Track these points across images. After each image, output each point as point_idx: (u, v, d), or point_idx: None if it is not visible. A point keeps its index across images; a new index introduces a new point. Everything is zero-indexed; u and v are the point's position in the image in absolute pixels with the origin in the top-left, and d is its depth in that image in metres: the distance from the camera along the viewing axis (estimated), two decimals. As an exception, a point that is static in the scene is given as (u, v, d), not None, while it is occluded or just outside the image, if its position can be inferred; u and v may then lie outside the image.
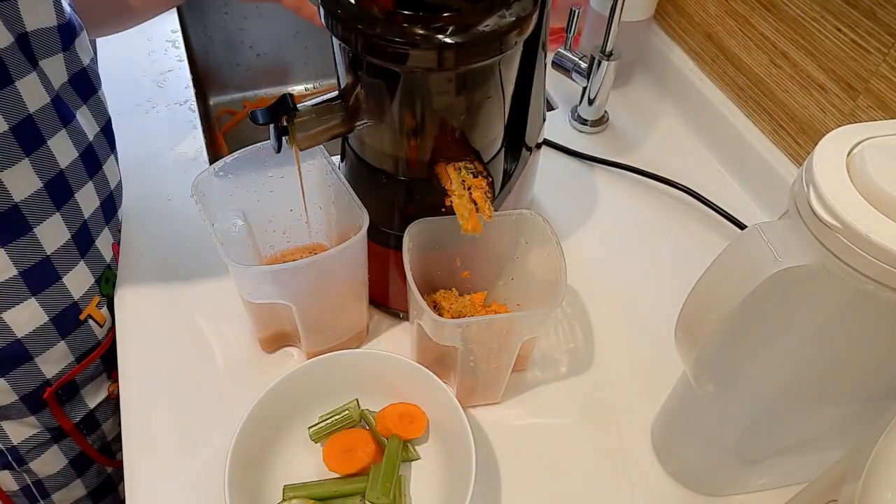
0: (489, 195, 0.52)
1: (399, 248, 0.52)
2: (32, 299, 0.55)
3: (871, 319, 0.37)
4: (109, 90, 0.83)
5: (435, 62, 0.45)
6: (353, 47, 0.46)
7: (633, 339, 0.64)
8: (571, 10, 0.73)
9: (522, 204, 0.67)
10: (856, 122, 0.38)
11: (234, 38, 1.04)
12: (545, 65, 0.59)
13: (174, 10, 0.95)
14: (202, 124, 0.81)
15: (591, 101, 0.81)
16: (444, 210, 0.53)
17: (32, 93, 0.50)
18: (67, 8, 0.53)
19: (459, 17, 0.45)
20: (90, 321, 0.61)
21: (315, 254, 0.62)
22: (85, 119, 0.58)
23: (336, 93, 0.50)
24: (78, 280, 0.58)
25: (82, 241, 0.58)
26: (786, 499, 0.47)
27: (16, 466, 0.62)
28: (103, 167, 0.60)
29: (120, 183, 0.65)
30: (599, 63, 0.77)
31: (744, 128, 0.76)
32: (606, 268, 0.69)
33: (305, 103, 0.49)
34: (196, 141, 0.78)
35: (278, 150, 0.49)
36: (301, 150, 0.50)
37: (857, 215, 0.32)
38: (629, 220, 0.74)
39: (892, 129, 0.37)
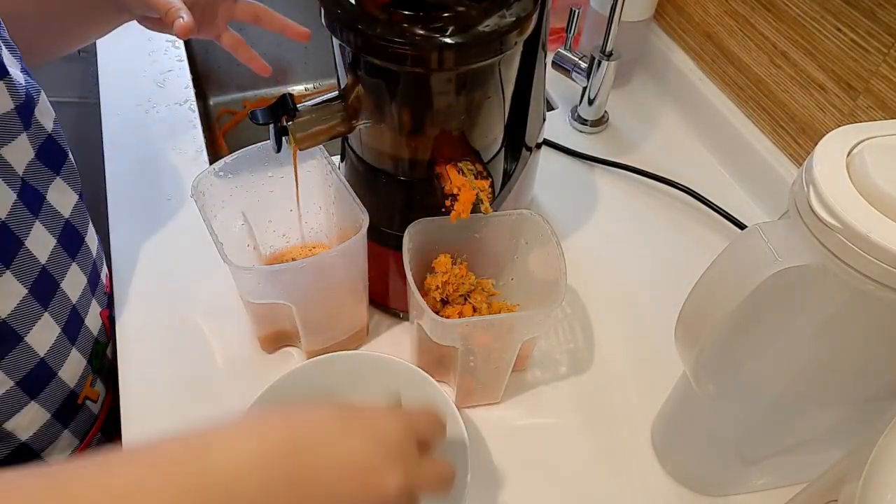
0: (489, 195, 0.52)
1: (399, 248, 0.52)
2: (32, 402, 0.54)
3: (871, 319, 0.37)
4: (110, 90, 0.84)
5: (435, 62, 0.45)
6: (353, 47, 0.46)
7: (633, 339, 0.64)
8: (571, 10, 0.73)
9: (522, 204, 0.67)
10: (856, 122, 0.38)
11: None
12: (545, 65, 0.59)
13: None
14: (202, 124, 0.81)
15: (591, 101, 0.81)
16: (444, 210, 0.53)
17: None
18: (22, 79, 0.48)
19: (459, 18, 0.45)
20: (87, 402, 0.59)
21: (315, 252, 0.62)
22: (58, 194, 0.54)
23: (336, 93, 0.50)
24: (72, 369, 0.57)
25: (72, 329, 0.56)
26: (786, 499, 0.47)
27: None
28: (85, 239, 0.57)
29: (99, 244, 0.62)
30: (599, 63, 0.77)
31: (744, 127, 0.76)
32: (606, 268, 0.69)
33: (305, 103, 0.49)
34: (196, 141, 0.78)
35: (278, 150, 0.49)
36: (301, 150, 0.50)
37: (857, 215, 0.32)
38: (629, 220, 0.74)
39: (892, 129, 0.37)
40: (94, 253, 0.59)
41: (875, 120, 0.60)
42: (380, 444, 0.34)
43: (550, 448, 0.56)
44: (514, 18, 0.46)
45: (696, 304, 0.42)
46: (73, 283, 0.55)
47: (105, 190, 0.72)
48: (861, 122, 0.61)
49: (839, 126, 0.37)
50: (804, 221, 0.35)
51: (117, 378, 0.58)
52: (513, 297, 0.59)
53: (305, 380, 0.54)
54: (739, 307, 0.38)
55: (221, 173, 0.55)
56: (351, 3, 0.46)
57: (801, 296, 0.38)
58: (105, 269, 0.64)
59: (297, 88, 1.12)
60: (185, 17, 0.53)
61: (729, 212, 0.73)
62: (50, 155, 0.52)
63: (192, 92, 0.84)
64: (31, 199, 0.50)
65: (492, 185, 0.53)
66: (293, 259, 0.62)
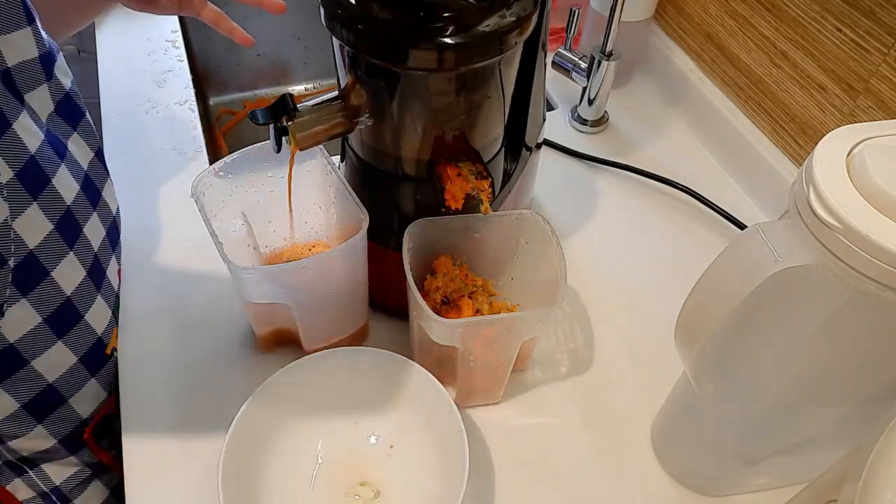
0: (489, 196, 0.52)
1: (399, 248, 0.52)
2: (59, 343, 0.54)
3: (871, 319, 0.37)
4: (109, 90, 0.84)
5: (435, 62, 0.45)
6: (353, 47, 0.46)
7: (632, 339, 0.64)
8: (571, 9, 0.73)
9: (522, 204, 0.67)
10: (856, 122, 0.38)
11: (234, 38, 1.04)
12: (545, 65, 0.59)
13: (174, 10, 0.95)
14: (202, 124, 0.81)
15: (590, 101, 0.81)
16: (444, 210, 0.53)
17: (28, 132, 0.48)
18: (44, 34, 0.50)
19: (459, 18, 0.45)
20: (115, 354, 0.60)
21: (315, 252, 0.62)
22: (77, 147, 0.56)
23: (336, 93, 0.50)
24: (98, 315, 0.57)
25: (96, 275, 0.57)
26: (786, 499, 0.47)
27: None
28: (102, 194, 0.59)
29: (118, 208, 0.63)
30: (599, 63, 0.77)
31: (744, 128, 0.76)
32: (606, 268, 0.69)
33: (305, 103, 0.49)
34: (196, 141, 0.78)
35: (278, 150, 0.49)
36: (301, 150, 0.50)
37: (857, 215, 0.33)
38: (629, 220, 0.74)
39: (892, 129, 0.37)
40: (113, 212, 0.60)
41: (875, 120, 0.60)
42: None
43: (550, 448, 0.56)
44: (514, 18, 0.46)
45: (696, 304, 0.42)
46: (94, 231, 0.56)
47: (105, 190, 0.72)
48: (861, 122, 0.61)
49: (839, 126, 0.38)
50: (804, 221, 0.35)
51: None
52: (513, 297, 0.59)
53: (304, 375, 0.54)
54: (739, 307, 0.38)
55: (221, 173, 0.55)
56: (351, 3, 0.46)
57: (801, 296, 0.38)
58: (122, 232, 0.65)
59: (297, 88, 1.12)
60: None
61: (729, 212, 0.73)
62: (68, 111, 0.54)
63: (192, 92, 0.84)
64: (56, 144, 0.52)
65: (492, 185, 0.53)
66: (293, 258, 0.62)
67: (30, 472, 0.59)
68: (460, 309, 0.56)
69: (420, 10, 0.44)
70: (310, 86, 1.12)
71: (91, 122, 0.58)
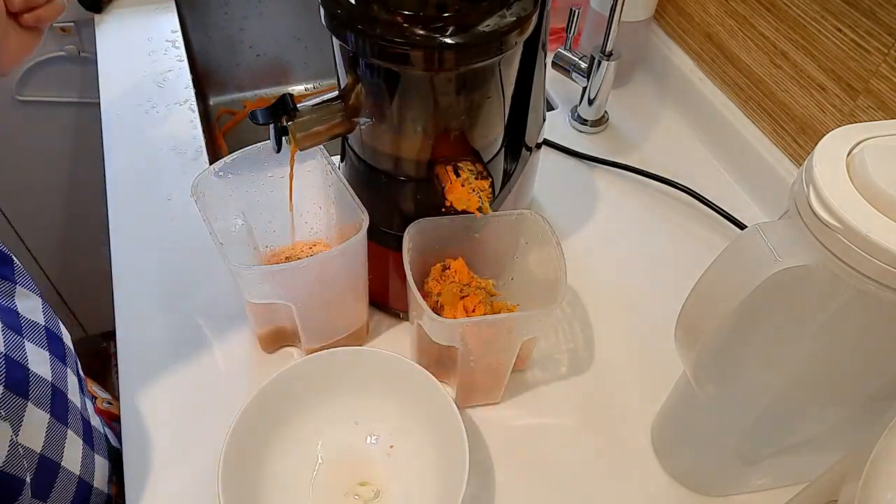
0: (489, 196, 0.52)
1: (399, 248, 0.52)
2: None
3: (871, 319, 0.37)
4: (110, 90, 0.84)
5: (435, 63, 0.45)
6: (353, 48, 0.46)
7: (632, 339, 0.64)
8: (571, 9, 0.73)
9: (522, 204, 0.67)
10: (856, 122, 0.38)
11: (234, 38, 1.04)
12: (545, 65, 0.59)
13: (174, 9, 0.95)
14: (202, 124, 0.81)
15: (590, 101, 0.81)
16: (444, 210, 0.53)
17: None
18: None
19: (459, 18, 0.45)
20: (115, 501, 0.58)
21: (315, 250, 0.62)
22: (26, 300, 0.50)
23: (336, 93, 0.50)
24: (101, 474, 0.54)
25: (87, 436, 0.53)
26: (786, 499, 0.47)
27: None
28: (63, 339, 0.53)
29: (68, 335, 0.56)
30: (599, 63, 0.77)
31: (744, 128, 0.76)
32: (606, 268, 0.69)
33: (305, 103, 0.49)
34: (196, 141, 0.78)
35: (278, 150, 0.49)
36: (301, 150, 0.50)
37: (857, 215, 0.33)
38: (629, 220, 0.74)
39: (892, 129, 0.37)
40: (72, 347, 0.55)
41: (875, 120, 0.60)
42: None
43: (550, 448, 0.56)
44: (514, 18, 0.46)
45: (696, 304, 0.42)
46: (73, 388, 0.53)
47: (105, 190, 0.72)
48: (861, 122, 0.61)
49: (839, 126, 0.38)
50: (804, 221, 0.35)
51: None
52: (513, 297, 0.59)
53: (304, 375, 0.54)
54: (739, 307, 0.38)
55: (221, 173, 0.55)
56: (351, 3, 0.46)
57: (801, 296, 0.38)
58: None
59: (296, 88, 1.12)
60: None
61: (729, 212, 0.73)
62: (2, 264, 0.49)
63: (192, 92, 0.84)
64: (9, 319, 0.47)
65: (492, 185, 0.53)
66: (293, 258, 0.62)
67: None
68: (461, 309, 0.56)
69: (420, 10, 0.44)
70: (310, 86, 1.12)
71: (19, 263, 0.51)
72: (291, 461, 0.53)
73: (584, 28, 0.88)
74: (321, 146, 0.53)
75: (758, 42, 0.73)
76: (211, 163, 0.68)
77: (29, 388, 0.46)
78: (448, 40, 0.44)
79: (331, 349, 0.54)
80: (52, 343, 0.51)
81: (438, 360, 0.56)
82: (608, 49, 0.76)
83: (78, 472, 0.51)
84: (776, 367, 0.42)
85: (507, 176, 0.60)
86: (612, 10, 0.72)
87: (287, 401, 0.54)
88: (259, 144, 0.55)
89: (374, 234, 0.52)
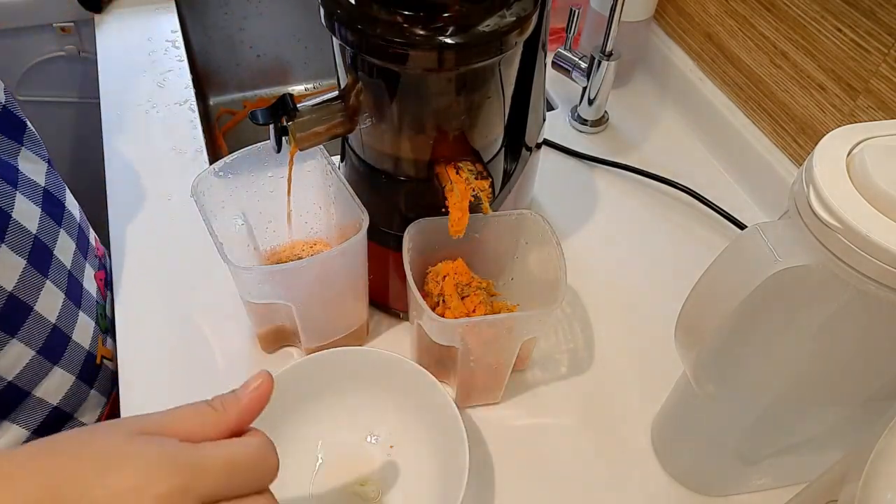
0: (489, 196, 0.52)
1: (399, 248, 0.52)
2: (55, 368, 0.55)
3: (871, 319, 0.37)
4: (109, 90, 0.84)
5: (435, 63, 0.45)
6: (353, 48, 0.46)
7: (632, 339, 0.64)
8: (571, 9, 0.73)
9: (522, 204, 0.67)
10: (856, 122, 0.38)
11: (234, 38, 1.04)
12: (545, 65, 0.59)
13: (174, 9, 0.95)
14: (202, 124, 0.81)
15: (590, 101, 0.81)
16: (444, 210, 0.53)
17: None
18: None
19: (459, 18, 0.45)
20: (105, 361, 0.61)
21: (316, 249, 0.62)
22: (29, 163, 0.54)
23: (336, 93, 0.50)
24: (84, 330, 0.58)
25: (74, 292, 0.57)
26: (786, 499, 0.47)
27: None
28: (66, 205, 0.58)
29: (79, 208, 0.62)
30: (599, 63, 0.77)
31: (744, 128, 0.76)
32: (606, 268, 0.69)
33: (305, 103, 0.49)
34: (196, 141, 0.78)
35: (278, 150, 0.49)
36: (301, 150, 0.50)
37: (857, 215, 0.32)
38: (629, 220, 0.74)
39: (892, 129, 0.37)
40: (78, 217, 0.60)
41: (875, 120, 0.60)
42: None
43: (550, 448, 0.56)
44: (514, 18, 0.46)
45: (696, 304, 0.42)
46: (64, 248, 0.56)
47: (105, 190, 0.72)
48: (861, 121, 0.61)
49: (839, 126, 0.38)
50: (804, 221, 0.35)
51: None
52: (513, 298, 0.59)
53: (304, 375, 0.54)
54: (739, 307, 0.38)
55: (221, 173, 0.55)
56: (350, 3, 0.46)
57: (801, 296, 0.38)
58: (93, 232, 0.64)
59: (297, 88, 1.12)
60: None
61: (729, 212, 0.73)
62: (8, 125, 0.53)
63: (192, 92, 0.84)
64: (6, 172, 0.51)
65: (492, 186, 0.53)
66: (294, 256, 0.62)
67: None
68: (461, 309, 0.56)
69: (420, 10, 0.44)
70: (310, 85, 1.12)
71: (35, 130, 0.56)
72: (291, 461, 0.53)
73: (584, 28, 0.88)
74: (321, 146, 0.53)
75: (758, 42, 0.73)
76: (211, 163, 0.68)
77: (5, 234, 0.49)
78: (448, 40, 0.44)
79: (331, 349, 0.54)
80: (49, 203, 0.54)
81: (439, 360, 0.56)
82: (608, 49, 0.76)
83: (53, 321, 0.54)
84: (776, 367, 0.42)
85: (507, 176, 0.60)
86: (612, 9, 0.72)
87: (287, 401, 0.54)
88: (259, 144, 0.55)
89: (374, 234, 0.52)
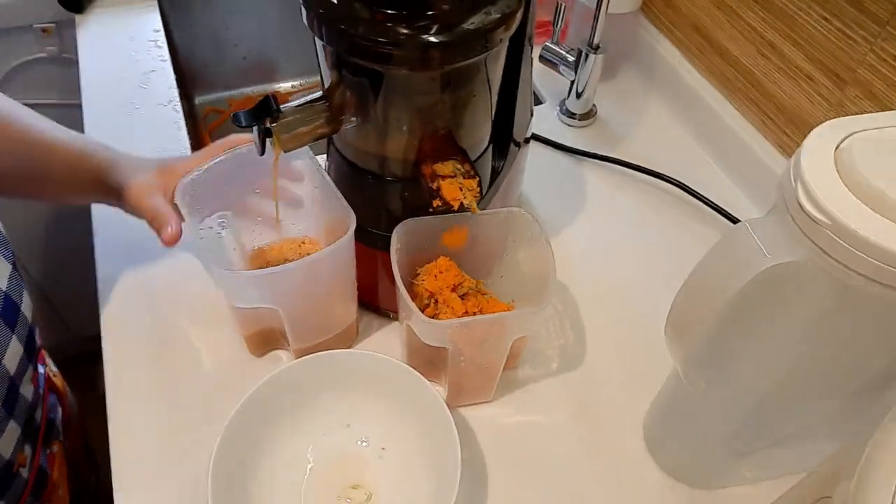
0: (477, 195, 0.52)
1: (387, 248, 0.52)
2: None
3: (859, 314, 0.37)
4: (92, 92, 0.83)
5: (419, 62, 0.44)
6: (336, 48, 0.45)
7: (623, 334, 0.63)
8: (558, 3, 0.72)
9: (511, 200, 0.67)
10: (844, 112, 0.38)
11: (219, 36, 1.03)
12: (532, 59, 0.58)
13: (156, 8, 0.94)
14: (188, 124, 0.80)
15: (578, 95, 0.81)
16: (431, 210, 0.52)
17: None
18: None
19: (444, 16, 0.44)
20: (20, 469, 0.57)
21: (304, 247, 0.62)
22: None
23: (320, 93, 0.50)
24: (8, 441, 0.54)
25: (10, 402, 0.53)
26: (777, 490, 0.47)
27: None
28: (21, 308, 0.54)
29: (31, 305, 0.57)
30: (587, 56, 0.76)
31: (732, 119, 0.76)
32: (596, 263, 0.69)
33: (289, 104, 0.48)
34: (181, 142, 0.77)
35: (262, 152, 0.49)
36: (286, 152, 0.49)
37: (846, 211, 0.32)
38: (618, 215, 0.74)
39: (880, 122, 0.36)
40: (30, 317, 0.56)
41: (863, 109, 0.60)
42: None
43: (542, 445, 0.56)
44: (499, 15, 0.45)
45: (686, 300, 0.42)
46: (12, 356, 0.53)
47: (89, 193, 0.71)
48: (849, 111, 0.61)
49: (827, 116, 0.37)
50: (793, 217, 0.35)
51: (42, 435, 0.57)
52: (503, 295, 0.59)
53: (294, 379, 0.53)
54: (729, 303, 0.37)
55: (207, 175, 0.54)
56: (332, 3, 0.45)
57: (791, 291, 0.38)
58: (36, 328, 0.61)
59: (283, 86, 1.11)
60: (172, 227, 0.53)
61: (718, 204, 0.72)
62: None
63: (176, 92, 0.83)
64: None
65: (479, 185, 0.53)
66: (281, 256, 0.62)
67: None
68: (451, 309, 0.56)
69: (403, 9, 0.44)
70: (297, 82, 1.11)
71: (3, 230, 0.53)
72: (282, 466, 0.53)
73: (570, 21, 0.88)
74: (307, 147, 0.52)
75: (745, 33, 0.72)
76: (196, 164, 0.67)
77: None
78: (433, 39, 0.43)
79: (320, 353, 0.54)
80: (6, 312, 0.52)
81: (429, 360, 0.56)
82: (595, 42, 0.75)
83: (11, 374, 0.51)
84: (766, 361, 0.42)
85: (496, 173, 0.60)
86: (599, 2, 0.72)
87: (276, 405, 0.53)
88: (244, 146, 0.55)
89: (361, 234, 0.51)
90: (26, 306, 0.55)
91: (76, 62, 0.87)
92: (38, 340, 0.60)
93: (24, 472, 0.58)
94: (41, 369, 0.58)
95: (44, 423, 0.62)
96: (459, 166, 0.52)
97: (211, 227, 0.56)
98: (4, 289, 0.52)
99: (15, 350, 0.53)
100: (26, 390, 0.56)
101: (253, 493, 0.51)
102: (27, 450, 0.58)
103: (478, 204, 0.52)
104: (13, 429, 0.54)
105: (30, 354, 0.56)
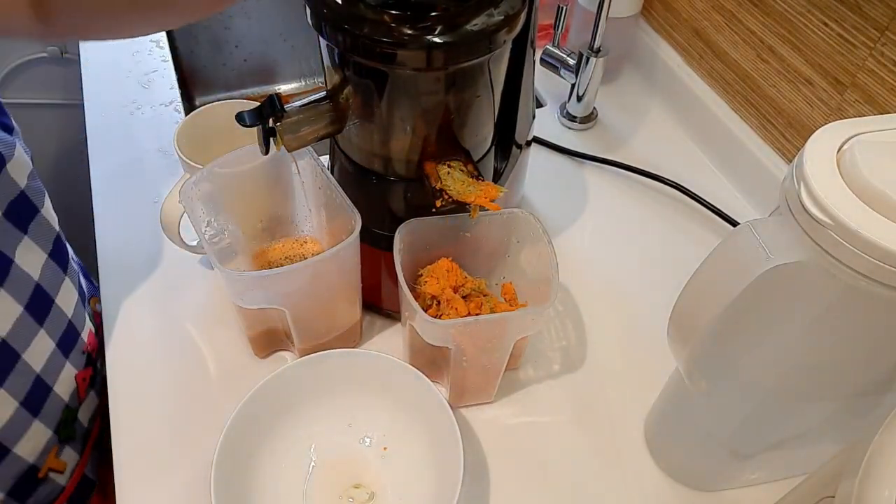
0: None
1: (390, 248, 0.52)
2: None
3: (862, 315, 0.37)
4: (93, 92, 0.83)
5: (424, 62, 0.44)
6: (341, 48, 0.46)
7: (625, 335, 0.64)
8: (559, 6, 0.72)
9: (513, 202, 0.67)
10: (843, 117, 0.38)
11: (220, 37, 1.03)
12: (534, 62, 0.58)
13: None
14: (189, 125, 0.80)
15: (579, 98, 0.81)
16: (434, 210, 0.52)
17: None
18: None
19: (448, 17, 0.44)
20: (51, 474, 0.56)
21: (307, 247, 0.62)
22: (27, 253, 0.50)
23: (324, 93, 0.50)
24: (33, 443, 0.53)
25: (34, 400, 0.52)
26: (779, 492, 0.48)
27: None
28: (55, 301, 0.53)
29: (80, 301, 0.57)
30: (588, 59, 0.77)
31: (732, 123, 0.76)
32: (598, 265, 0.69)
33: (293, 104, 0.48)
34: (183, 142, 0.77)
35: (266, 152, 0.49)
36: (289, 152, 0.49)
37: (848, 212, 0.33)
38: (619, 217, 0.74)
39: (882, 124, 0.37)
40: (71, 312, 0.55)
41: (862, 114, 0.60)
42: None
43: (544, 446, 0.56)
44: (502, 17, 0.45)
45: (689, 301, 0.42)
46: (38, 351, 0.51)
47: (91, 193, 0.71)
48: (849, 116, 0.62)
49: (827, 120, 0.38)
50: (795, 218, 0.35)
51: (92, 443, 0.56)
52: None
53: (298, 378, 0.53)
54: (731, 304, 0.38)
55: (210, 175, 0.54)
56: (337, 2, 0.45)
57: (793, 292, 0.38)
58: (88, 325, 0.60)
59: (285, 87, 1.11)
60: None
61: (718, 207, 0.73)
62: (20, 212, 0.49)
63: (177, 92, 0.83)
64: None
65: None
66: (284, 256, 0.62)
67: None
68: (454, 309, 0.56)
69: (408, 9, 0.44)
70: (298, 84, 1.11)
71: (45, 215, 0.52)
72: (284, 465, 0.53)
73: (571, 25, 0.88)
74: (310, 147, 0.52)
75: (745, 37, 0.73)
76: (198, 164, 0.67)
77: (6, 279, 0.47)
78: (437, 39, 0.43)
79: (323, 352, 0.54)
80: (35, 303, 0.51)
81: (431, 360, 0.56)
82: (596, 45, 0.76)
83: (38, 370, 0.51)
84: (768, 362, 0.42)
85: (498, 174, 0.60)
86: (600, 6, 0.72)
87: (279, 404, 0.53)
88: (247, 146, 0.55)
89: (364, 234, 0.51)
90: (64, 298, 0.54)
91: (78, 61, 0.87)
92: (88, 338, 0.59)
93: (60, 479, 0.56)
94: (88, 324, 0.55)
95: (97, 428, 0.59)
96: (463, 167, 0.52)
97: (215, 227, 0.56)
98: (36, 279, 0.51)
99: (42, 346, 0.51)
100: (63, 390, 0.54)
101: (255, 492, 0.51)
102: (67, 454, 0.56)
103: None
104: (39, 430, 0.53)
105: (67, 351, 0.54)
